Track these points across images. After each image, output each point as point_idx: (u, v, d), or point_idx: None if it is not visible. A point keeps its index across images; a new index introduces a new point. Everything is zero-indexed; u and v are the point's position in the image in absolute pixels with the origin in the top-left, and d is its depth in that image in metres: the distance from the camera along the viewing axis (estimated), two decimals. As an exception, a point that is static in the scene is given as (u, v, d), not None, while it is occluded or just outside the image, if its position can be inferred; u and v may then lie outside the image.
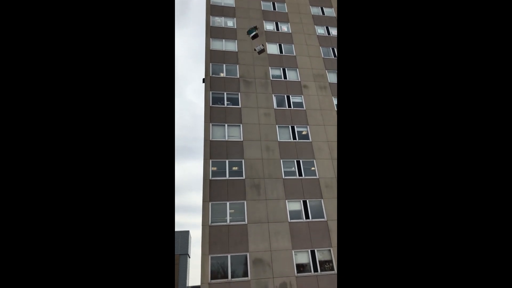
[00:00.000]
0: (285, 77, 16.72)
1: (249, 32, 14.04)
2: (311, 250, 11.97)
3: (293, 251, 11.80)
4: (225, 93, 15.34)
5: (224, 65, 16.25)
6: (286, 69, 17.02)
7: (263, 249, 11.66)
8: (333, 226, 12.64)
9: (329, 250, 12.11)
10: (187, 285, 19.17)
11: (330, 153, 14.59)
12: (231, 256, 11.38)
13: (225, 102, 15.09)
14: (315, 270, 11.60)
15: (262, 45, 15.51)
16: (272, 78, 16.47)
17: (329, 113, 15.82)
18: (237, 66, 16.38)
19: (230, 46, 17.03)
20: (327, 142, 14.87)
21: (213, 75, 15.78)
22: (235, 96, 15.37)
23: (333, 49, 18.99)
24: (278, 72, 16.81)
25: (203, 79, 15.73)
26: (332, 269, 11.74)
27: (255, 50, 15.19)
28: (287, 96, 16.03)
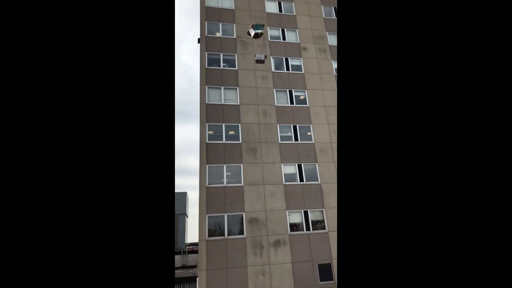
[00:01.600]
0: (284, 38, 16.07)
1: (255, 28, 11.88)
2: (304, 211, 12.52)
3: (287, 212, 12.34)
4: (221, 54, 14.82)
5: (220, 24, 15.47)
6: (285, 29, 16.29)
7: (259, 209, 12.16)
8: (326, 188, 13.10)
9: (321, 211, 12.68)
10: (185, 242, 20.25)
11: (327, 118, 14.59)
12: (227, 216, 11.89)
13: (221, 64, 14.63)
14: (307, 229, 12.25)
15: (265, 56, 13.40)
16: (271, 39, 15.82)
17: (327, 77, 15.53)
18: (234, 25, 15.61)
19: (227, 2, 16.06)
20: (324, 107, 14.79)
21: (209, 35, 15.09)
22: (232, 58, 14.88)
23: (335, 8, 18.05)
24: (277, 32, 16.11)
25: (198, 39, 15.07)
26: (323, 228, 12.40)
27: (255, 56, 13.25)
28: (285, 58, 15.55)
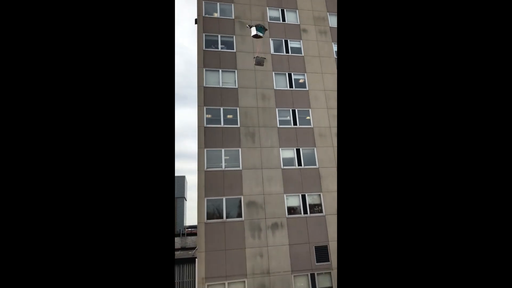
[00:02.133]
0: (283, 19, 15.64)
1: (258, 29, 11.12)
2: (302, 195, 12.64)
3: (285, 195, 12.46)
4: (219, 36, 14.45)
5: (218, 3, 14.99)
6: (285, 10, 15.83)
7: (257, 193, 12.25)
8: (324, 173, 13.17)
9: (319, 195, 12.81)
10: (184, 225, 20.58)
11: (326, 102, 14.47)
12: (226, 199, 11.99)
13: (219, 46, 14.30)
14: (305, 212, 12.41)
15: (265, 58, 13.11)
16: (270, 20, 15.40)
17: (327, 61, 15.26)
18: (232, 5, 15.14)
19: (225, -19, 15.51)
20: (323, 91, 14.63)
21: (206, 15, 14.65)
22: (230, 40, 14.53)
23: (336, -11, 17.49)
24: (277, 13, 15.66)
25: (196, 20, 14.63)
26: (321, 212, 12.57)
27: (254, 58, 12.66)
28: (285, 40, 15.21)
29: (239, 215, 11.88)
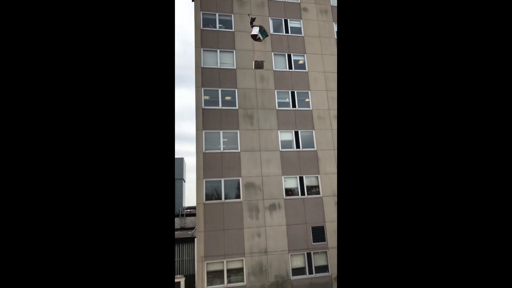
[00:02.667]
0: (283, -3, 15.14)
1: (261, 32, 10.28)
2: (299, 177, 12.77)
3: (282, 177, 12.58)
4: (217, 14, 14.02)
5: (216, -20, 14.44)
6: (285, -13, 15.29)
7: (255, 174, 12.36)
8: (322, 155, 13.24)
9: (317, 177, 12.94)
10: (183, 206, 20.89)
11: (326, 84, 14.31)
12: (224, 180, 12.10)
13: (217, 25, 13.91)
14: (302, 193, 12.59)
15: (264, 60, 12.10)
16: (269, -2, 14.91)
17: (328, 41, 14.94)
18: (231, -19, 14.59)
19: (223, -44, 14.86)
20: (323, 73, 14.43)
21: (204, -8, 14.14)
22: (228, 18, 14.11)
23: (339, -35, 16.84)
24: (276, -9, 15.13)
25: (193, -3, 14.14)
26: (318, 194, 12.75)
27: (253, 61, 11.75)
28: (284, 20, 14.80)
29: (238, 196, 12.04)
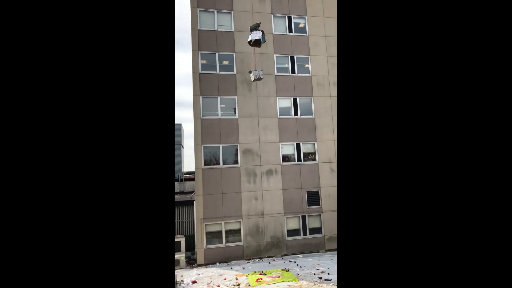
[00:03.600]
0: (285, -48, 14.09)
1: (262, 37, 9.47)
2: (296, 143, 12.91)
3: (280, 144, 12.72)
4: (214, -29, 13.12)
5: None
6: None
7: (253, 141, 12.47)
8: (320, 122, 13.27)
9: (313, 144, 13.09)
10: (182, 171, 21.31)
11: (326, 49, 13.88)
12: (222, 146, 12.24)
13: (214, -17, 13.09)
14: (299, 160, 12.83)
15: (262, 70, 11.03)
16: (270, -48, 13.87)
17: (330, 3, 14.20)
18: None
19: None
20: (324, 37, 13.92)
21: None
22: (226, -25, 13.24)
23: None
24: None
25: (188, -50, 13.08)
26: (314, 160, 13.00)
27: (250, 73, 10.66)
28: (285, -22, 13.92)
29: (236, 162, 12.26)
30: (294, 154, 12.85)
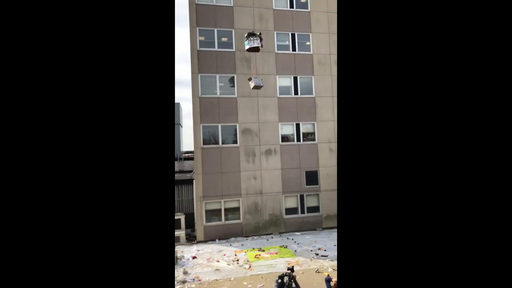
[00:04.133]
0: None
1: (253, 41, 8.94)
2: (296, 123, 12.84)
3: (279, 124, 12.65)
4: None
5: None
6: None
7: (252, 121, 12.39)
8: (320, 102, 13.12)
9: (313, 124, 13.03)
10: (181, 150, 21.32)
11: (328, 26, 13.46)
12: (221, 126, 12.17)
13: (213, -47, 12.44)
14: (298, 140, 12.82)
15: (262, 79, 10.37)
16: None
17: (334, -24, 13.60)
18: None
19: None
20: (326, 13, 13.46)
21: None
22: None
23: None
24: None
25: None
26: (313, 140, 12.99)
27: (249, 80, 10.06)
28: (287, -52, 13.23)
29: (235, 142, 12.24)
30: (293, 134, 12.81)
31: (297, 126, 12.84)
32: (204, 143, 11.94)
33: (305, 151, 12.82)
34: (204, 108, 12.01)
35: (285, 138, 12.71)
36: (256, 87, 9.97)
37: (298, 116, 12.84)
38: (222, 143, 12.12)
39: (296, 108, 12.85)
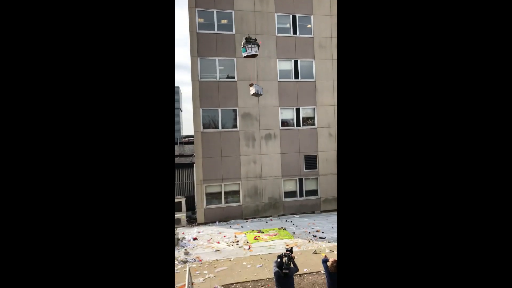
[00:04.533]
0: None
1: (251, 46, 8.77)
2: (296, 108, 12.81)
3: (279, 108, 12.62)
4: None
5: None
6: None
7: (252, 105, 12.35)
8: (320, 86, 13.03)
9: (313, 108, 13.00)
10: (181, 134, 21.35)
11: (330, 8, 13.15)
12: (221, 110, 12.15)
13: None
14: (298, 124, 12.84)
15: (263, 87, 10.19)
16: None
17: (337, -45, 13.14)
18: None
19: None
20: (329, -6, 13.11)
21: None
22: None
23: None
24: None
25: None
26: (313, 125, 13.00)
27: (250, 87, 9.79)
28: None
29: (234, 126, 12.26)
30: (293, 119, 12.81)
31: (297, 110, 12.81)
32: (204, 127, 11.96)
33: (305, 135, 12.87)
34: (204, 92, 11.94)
35: (285, 123, 12.72)
36: (256, 94, 9.88)
37: (298, 101, 12.79)
38: (222, 128, 12.15)
39: (296, 92, 12.78)
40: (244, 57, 9.35)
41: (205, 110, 12.00)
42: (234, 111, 12.24)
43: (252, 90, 9.75)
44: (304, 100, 12.85)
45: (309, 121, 12.99)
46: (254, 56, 9.26)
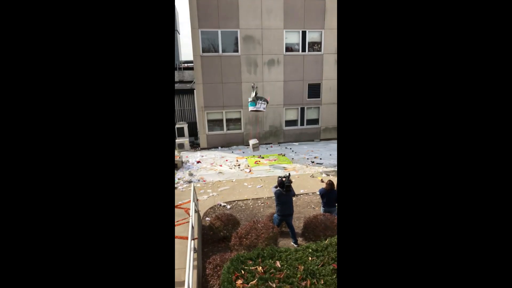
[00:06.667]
0: None
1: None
2: (302, 31, 11.89)
3: (284, 31, 11.72)
4: None
5: None
6: None
7: (254, 26, 11.43)
8: (330, 6, 11.83)
9: (320, 32, 12.06)
10: (180, 60, 20.34)
11: None
12: (221, 32, 11.30)
13: None
14: (303, 50, 12.11)
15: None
16: None
17: None
18: None
19: None
20: None
21: None
22: None
23: None
24: None
25: None
26: (319, 50, 12.27)
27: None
28: None
29: (236, 50, 11.60)
30: (298, 43, 12.01)
31: (303, 34, 11.92)
32: (203, 52, 11.33)
33: (310, 62, 12.27)
34: (202, 10, 10.91)
35: (289, 48, 11.98)
36: (254, 147, 10.42)
37: (305, 23, 11.78)
38: (222, 52, 11.50)
39: (303, 12, 11.66)
40: (250, 111, 9.85)
41: (204, 32, 11.16)
42: (235, 33, 11.39)
43: (252, 143, 10.36)
44: (311, 22, 11.82)
45: (315, 46, 12.20)
46: (260, 112, 9.89)
